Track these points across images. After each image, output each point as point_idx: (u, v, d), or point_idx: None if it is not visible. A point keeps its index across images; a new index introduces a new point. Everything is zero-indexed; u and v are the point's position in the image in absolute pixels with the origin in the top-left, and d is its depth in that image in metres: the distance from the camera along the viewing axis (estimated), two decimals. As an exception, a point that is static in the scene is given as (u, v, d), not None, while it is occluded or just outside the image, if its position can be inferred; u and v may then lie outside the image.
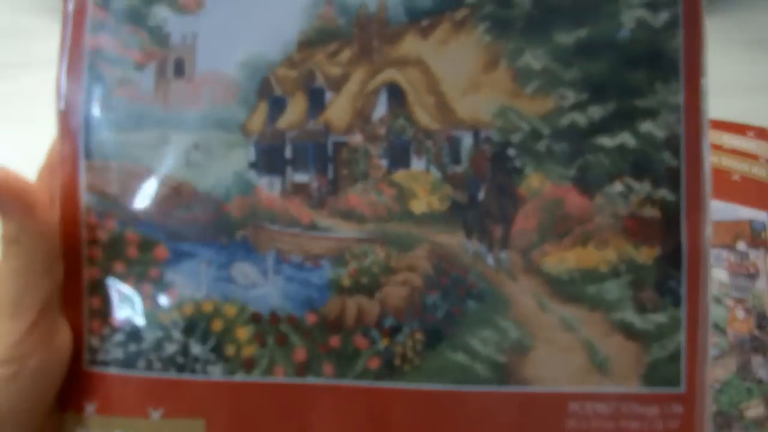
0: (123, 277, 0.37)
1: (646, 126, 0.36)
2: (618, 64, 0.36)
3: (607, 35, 0.36)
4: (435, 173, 0.37)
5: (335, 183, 0.38)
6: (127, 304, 0.37)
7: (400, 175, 0.37)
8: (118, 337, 0.37)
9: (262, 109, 0.38)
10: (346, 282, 0.37)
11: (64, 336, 0.36)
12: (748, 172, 0.78)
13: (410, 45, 0.37)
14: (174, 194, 0.37)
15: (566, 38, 0.36)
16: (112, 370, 0.37)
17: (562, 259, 0.36)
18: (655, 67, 0.36)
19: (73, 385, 0.37)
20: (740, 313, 0.72)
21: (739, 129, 0.80)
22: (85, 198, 0.37)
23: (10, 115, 0.79)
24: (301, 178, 0.38)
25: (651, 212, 0.36)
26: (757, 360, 0.70)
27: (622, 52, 0.36)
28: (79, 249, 0.37)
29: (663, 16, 0.35)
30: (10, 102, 0.80)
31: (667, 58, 0.35)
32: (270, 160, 0.38)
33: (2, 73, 0.84)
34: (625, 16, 0.35)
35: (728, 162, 0.78)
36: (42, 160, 0.38)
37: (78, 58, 0.37)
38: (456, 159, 0.37)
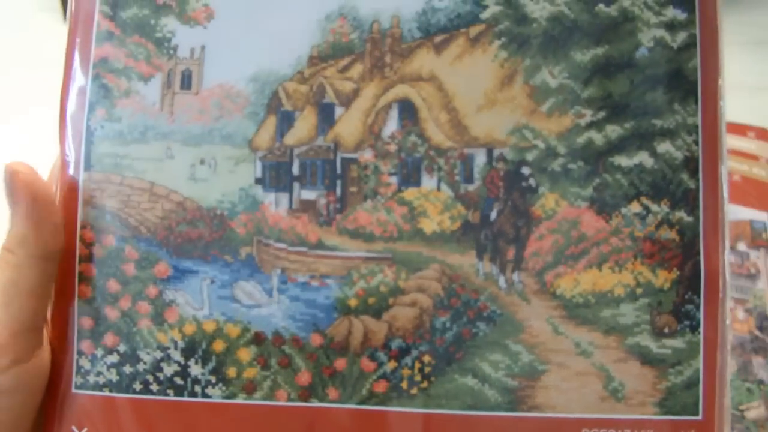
0: (118, 296, 0.36)
1: (664, 146, 0.35)
2: (636, 82, 0.36)
3: (625, 54, 0.36)
4: (447, 192, 0.37)
5: (344, 200, 0.37)
6: (121, 324, 0.36)
7: (410, 193, 0.37)
8: (112, 358, 0.36)
9: (271, 123, 0.37)
10: (353, 302, 0.36)
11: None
12: (748, 172, 0.78)
13: (423, 60, 0.37)
14: (178, 210, 0.37)
15: (584, 56, 0.36)
16: (105, 393, 0.36)
17: (577, 282, 0.36)
18: (673, 86, 0.35)
19: (61, 409, 0.36)
20: (741, 314, 0.71)
21: (739, 129, 0.80)
22: (82, 212, 0.36)
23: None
24: (308, 195, 0.37)
25: (669, 234, 0.35)
26: (757, 361, 0.69)
27: (640, 70, 0.36)
28: (74, 265, 0.36)
29: (681, 36, 0.35)
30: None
31: (685, 78, 0.35)
32: (277, 176, 0.37)
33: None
34: (643, 35, 0.36)
35: (729, 163, 0.78)
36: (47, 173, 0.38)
37: (83, 67, 0.37)
38: (469, 177, 0.37)
